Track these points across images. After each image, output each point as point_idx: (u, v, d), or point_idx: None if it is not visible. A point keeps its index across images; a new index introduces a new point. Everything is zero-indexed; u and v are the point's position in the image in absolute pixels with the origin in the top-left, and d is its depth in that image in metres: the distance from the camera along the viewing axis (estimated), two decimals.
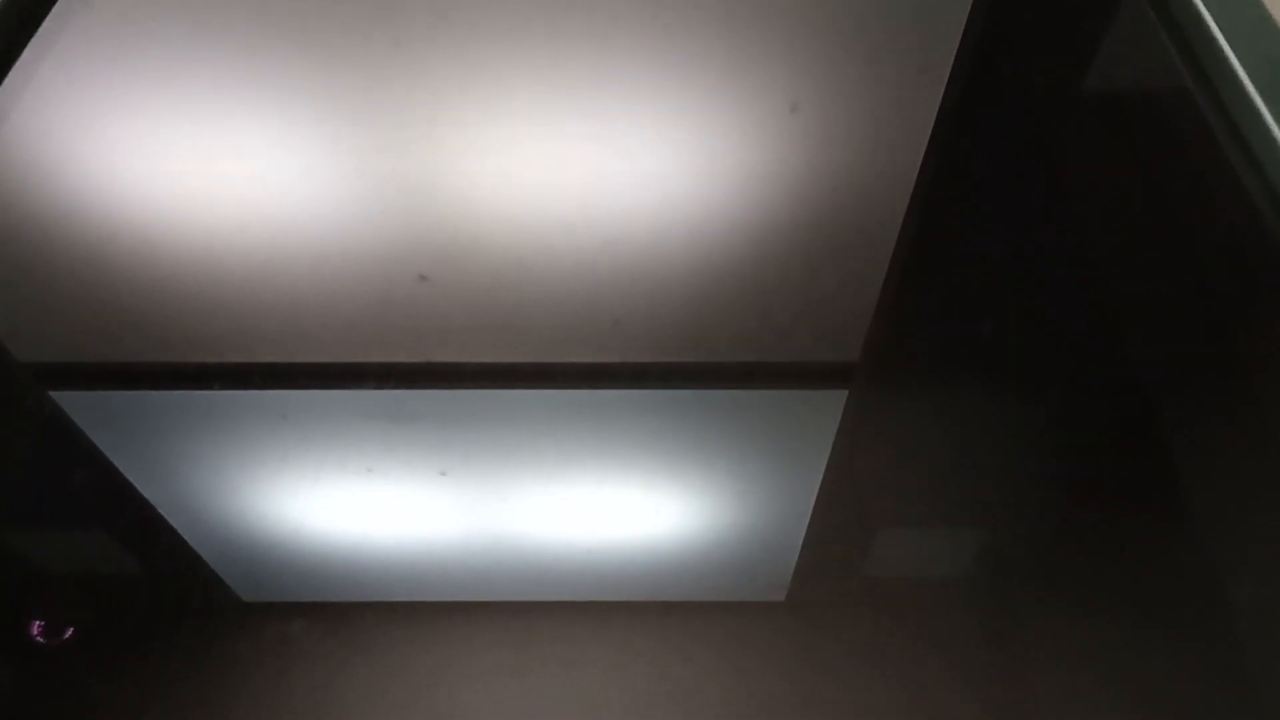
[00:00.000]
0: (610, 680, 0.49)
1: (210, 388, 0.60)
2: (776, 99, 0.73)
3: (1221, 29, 0.62)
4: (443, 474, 0.57)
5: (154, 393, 0.61)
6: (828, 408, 0.60)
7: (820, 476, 0.57)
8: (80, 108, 0.72)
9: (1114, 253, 0.64)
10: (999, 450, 0.58)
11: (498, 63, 0.75)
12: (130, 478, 0.56)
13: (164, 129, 0.72)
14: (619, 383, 0.61)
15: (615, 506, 0.57)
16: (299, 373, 0.61)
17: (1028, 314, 0.63)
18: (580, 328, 0.62)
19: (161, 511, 0.55)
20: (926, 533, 0.56)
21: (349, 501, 0.56)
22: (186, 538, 0.54)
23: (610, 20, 0.78)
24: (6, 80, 0.71)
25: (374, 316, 0.63)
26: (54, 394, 0.60)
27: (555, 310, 0.63)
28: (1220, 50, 0.62)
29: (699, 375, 0.61)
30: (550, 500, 0.57)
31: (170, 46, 0.76)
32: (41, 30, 0.73)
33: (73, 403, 0.60)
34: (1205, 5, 0.64)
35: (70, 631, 0.50)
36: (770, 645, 0.51)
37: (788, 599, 0.53)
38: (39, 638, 0.50)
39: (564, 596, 0.52)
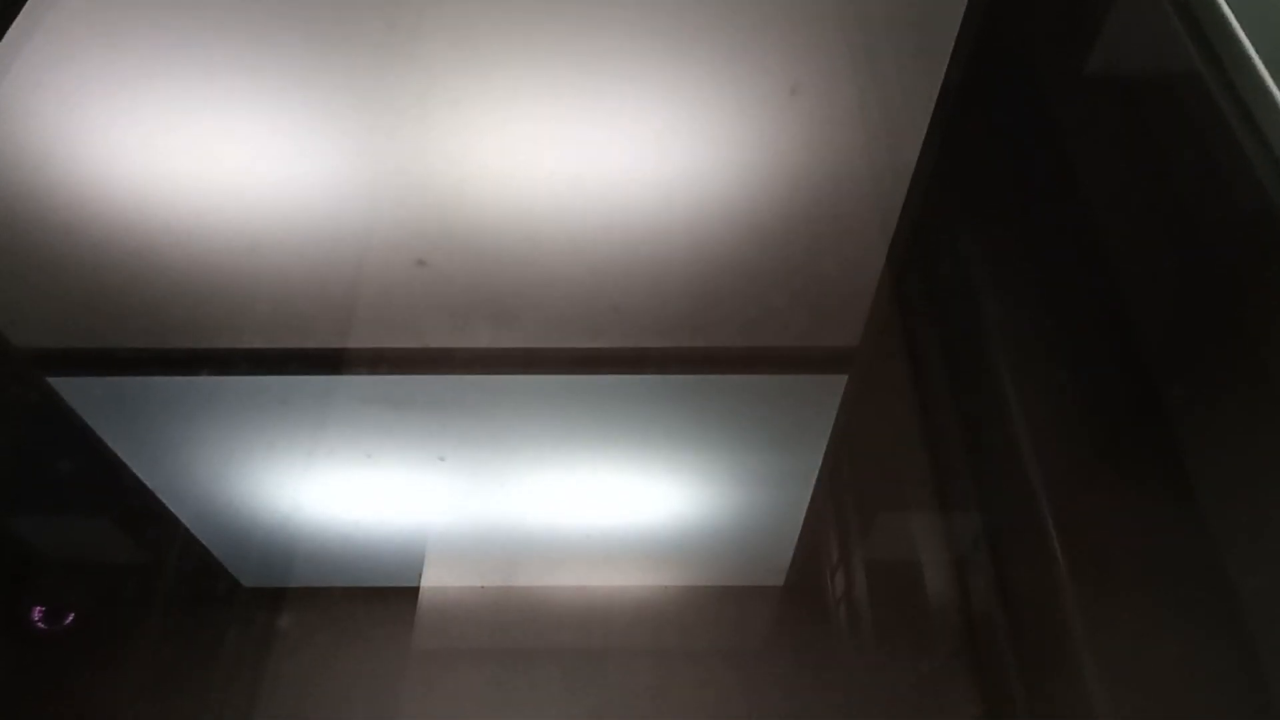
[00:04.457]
0: (609, 663, 0.49)
1: (208, 373, 0.60)
2: (776, 82, 0.72)
3: (1232, 8, 0.61)
4: (441, 459, 0.57)
5: (152, 378, 0.61)
6: (827, 393, 0.60)
7: (820, 461, 0.56)
8: (72, 90, 0.72)
9: (1119, 237, 0.64)
10: (998, 434, 0.58)
11: (494, 46, 0.75)
12: (128, 463, 0.56)
13: (158, 113, 0.71)
14: (618, 368, 0.61)
15: (614, 491, 0.57)
16: (298, 358, 0.61)
17: (1028, 298, 0.63)
18: (579, 313, 0.62)
19: (160, 497, 0.55)
20: (925, 517, 0.55)
21: (348, 487, 0.56)
22: (185, 523, 0.54)
23: (609, 2, 0.77)
24: None
25: (372, 302, 0.62)
26: (52, 379, 0.60)
27: (554, 295, 0.62)
28: (1231, 31, 0.61)
29: (698, 361, 0.61)
30: (549, 485, 0.57)
31: (162, 28, 0.76)
32: (26, 9, 0.73)
33: (70, 388, 0.60)
34: None
35: (70, 617, 0.51)
36: (769, 629, 0.51)
37: (786, 583, 0.53)
38: (39, 623, 0.50)
39: (563, 581, 0.52)
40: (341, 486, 0.56)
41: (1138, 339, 0.59)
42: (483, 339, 0.61)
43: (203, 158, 0.69)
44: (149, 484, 0.55)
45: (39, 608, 0.51)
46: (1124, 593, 0.50)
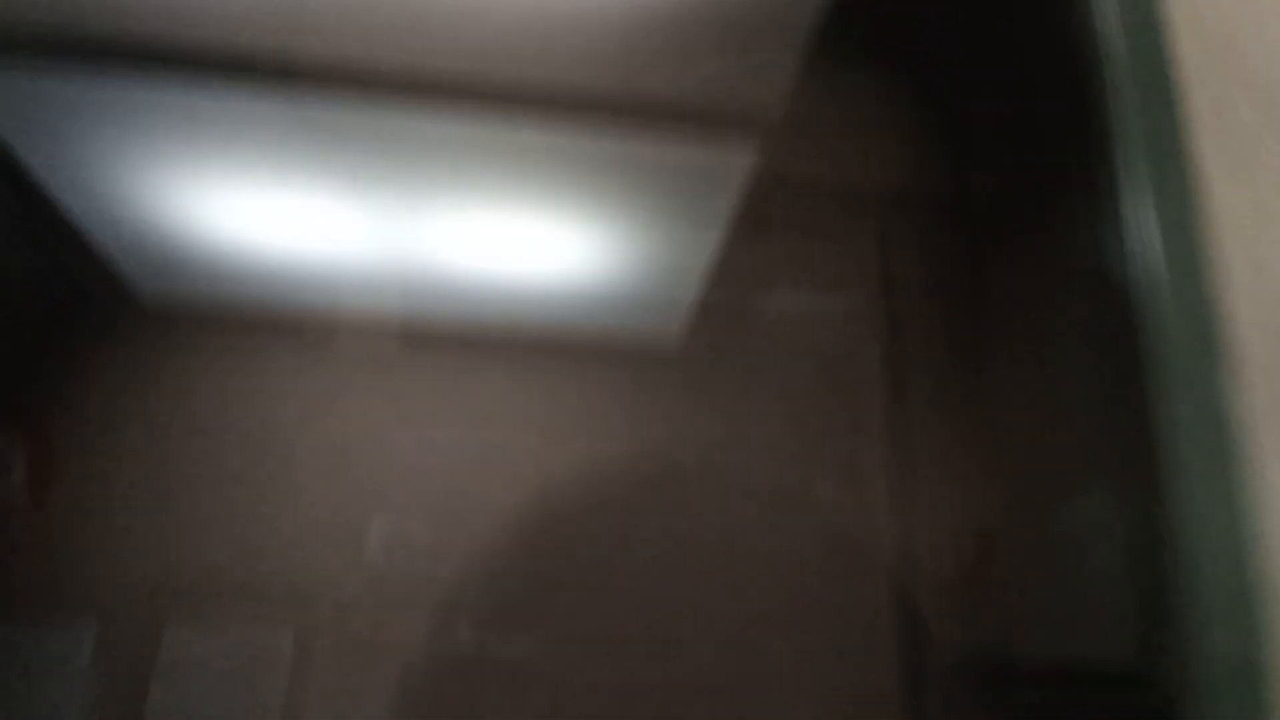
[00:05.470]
0: (504, 407, 0.51)
1: (119, 70, 0.56)
2: None
3: None
4: (353, 188, 0.55)
5: (54, 72, 0.57)
6: (739, 157, 0.60)
7: (723, 221, 0.57)
8: None
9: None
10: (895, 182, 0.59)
11: None
12: (31, 164, 0.53)
13: None
14: (540, 106, 0.59)
15: (523, 235, 0.56)
16: (219, 62, 0.57)
17: (938, 61, 0.61)
18: (507, 43, 0.59)
19: (60, 201, 0.53)
20: (821, 271, 0.56)
21: (258, 209, 0.55)
22: (84, 231, 0.52)
23: None
24: None
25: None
26: None
27: (484, 22, 0.59)
28: None
29: (621, 108, 0.59)
30: (457, 223, 0.56)
31: None
32: None
33: None
34: None
35: None
36: (663, 380, 0.53)
37: (682, 335, 0.54)
38: None
39: (463, 319, 0.53)
40: (251, 207, 0.55)
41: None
42: (406, 57, 0.58)
43: None
44: (49, 186, 0.53)
45: None
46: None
